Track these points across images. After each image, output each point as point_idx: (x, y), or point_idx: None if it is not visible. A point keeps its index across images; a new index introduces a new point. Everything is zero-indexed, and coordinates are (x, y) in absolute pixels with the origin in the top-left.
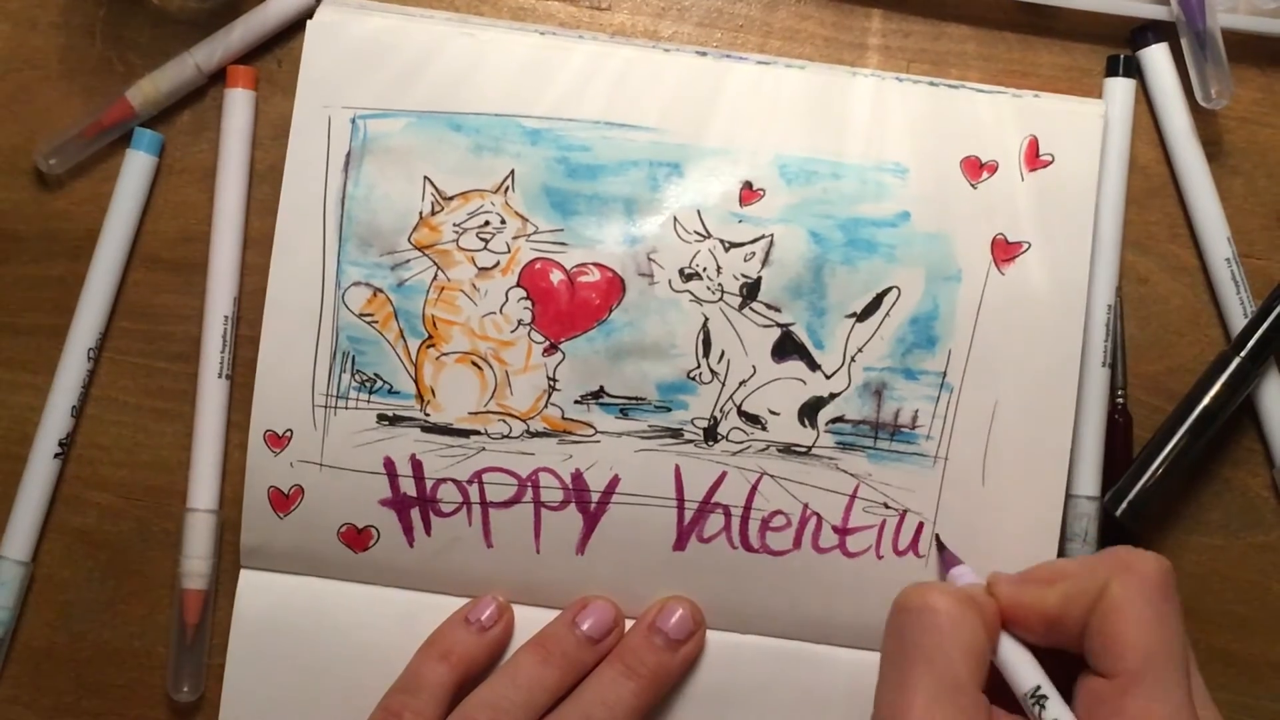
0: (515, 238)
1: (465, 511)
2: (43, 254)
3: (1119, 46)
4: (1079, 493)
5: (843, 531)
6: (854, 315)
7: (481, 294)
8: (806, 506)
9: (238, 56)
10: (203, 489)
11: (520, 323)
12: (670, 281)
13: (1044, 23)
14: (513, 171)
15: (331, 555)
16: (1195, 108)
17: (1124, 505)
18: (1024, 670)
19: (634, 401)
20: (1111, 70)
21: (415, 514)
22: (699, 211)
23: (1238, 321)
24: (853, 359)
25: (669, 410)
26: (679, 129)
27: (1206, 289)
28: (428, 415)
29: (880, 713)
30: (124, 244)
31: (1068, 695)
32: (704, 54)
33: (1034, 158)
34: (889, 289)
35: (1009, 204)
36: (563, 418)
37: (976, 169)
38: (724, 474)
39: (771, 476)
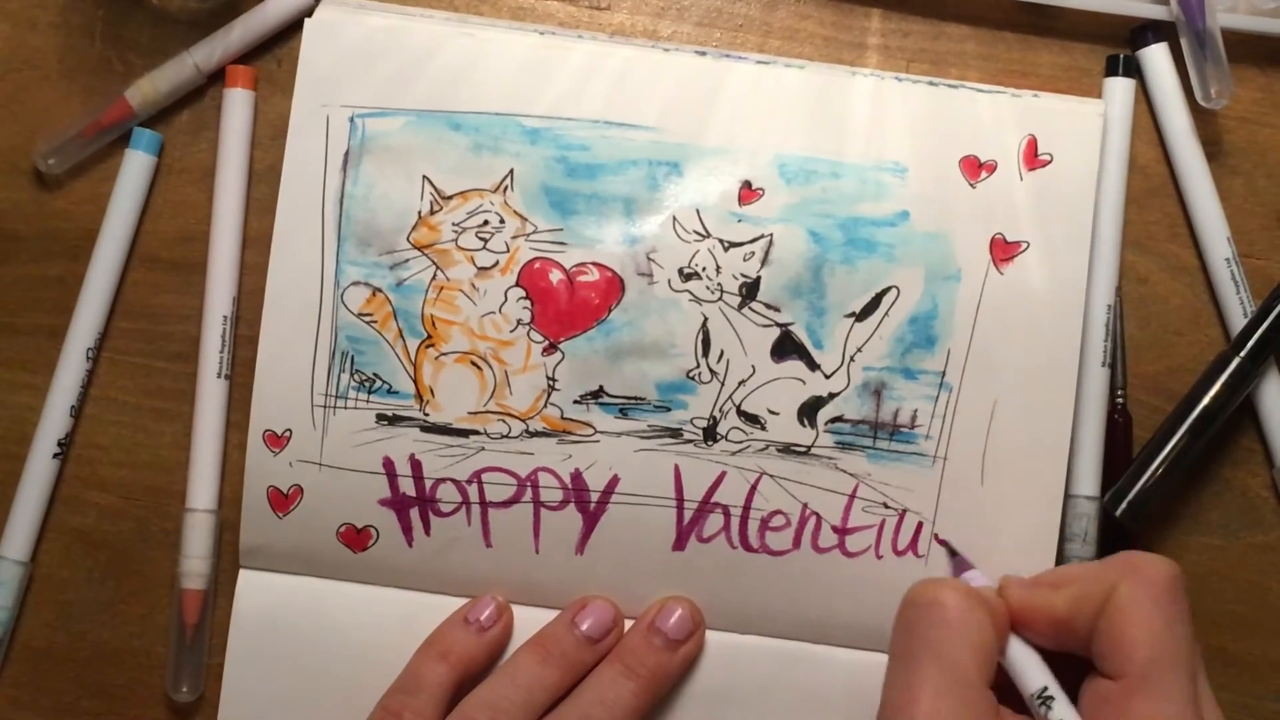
0: (514, 237)
1: (464, 511)
2: (42, 254)
3: (1118, 46)
4: (1078, 492)
5: (842, 531)
6: (853, 315)
7: (481, 294)
8: (806, 506)
9: (237, 56)
10: (202, 489)
11: (519, 322)
12: (669, 281)
13: (1043, 22)
14: (512, 171)
15: (331, 555)
16: (1195, 107)
17: (1124, 505)
18: (1031, 671)
19: (633, 401)
20: (1111, 70)
21: (414, 514)
22: (698, 211)
23: (1237, 321)
24: (852, 359)
25: (668, 410)
26: (678, 128)
27: (1206, 289)
28: (427, 415)
29: (887, 706)
30: (123, 244)
31: (1075, 699)
32: (703, 53)
33: (1033, 157)
34: (888, 288)
35: (1008, 203)
36: (562, 417)
37: (976, 168)
38: (723, 474)
39: (771, 476)
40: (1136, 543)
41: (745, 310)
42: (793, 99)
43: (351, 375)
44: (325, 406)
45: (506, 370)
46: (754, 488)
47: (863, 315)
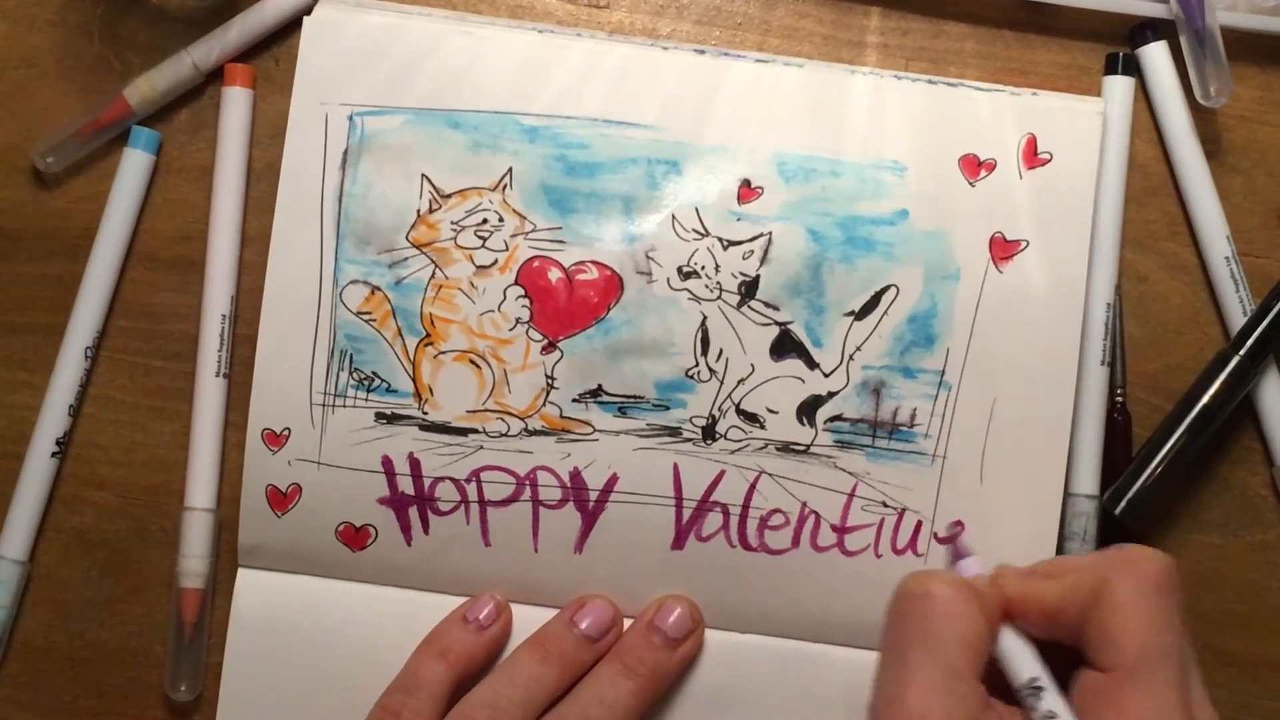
0: (513, 236)
1: (463, 510)
2: (40, 253)
3: (1118, 44)
4: (1078, 491)
5: (841, 530)
6: (852, 313)
7: (480, 292)
8: (805, 505)
9: (235, 55)
10: (200, 488)
11: (518, 321)
12: (669, 280)
13: (1043, 21)
14: (511, 169)
15: (329, 554)
16: (1194, 106)
17: (1123, 504)
18: (1022, 661)
19: (632, 400)
20: (1110, 68)
21: (413, 513)
22: (697, 209)
23: (1237, 320)
24: (851, 357)
25: (667, 409)
26: (677, 127)
27: (1205, 287)
28: (426, 414)
29: (878, 697)
30: (121, 242)
31: (1067, 690)
32: (702, 52)
33: (1032, 156)
34: (887, 287)
35: (1007, 202)
36: (561, 416)
37: (975, 167)
38: (722, 472)
39: (770, 475)
40: (1135, 541)
41: (744, 309)
42: (792, 97)
43: (350, 374)
44: (324, 405)
45: (505, 369)
46: (753, 486)
47: (862, 314)
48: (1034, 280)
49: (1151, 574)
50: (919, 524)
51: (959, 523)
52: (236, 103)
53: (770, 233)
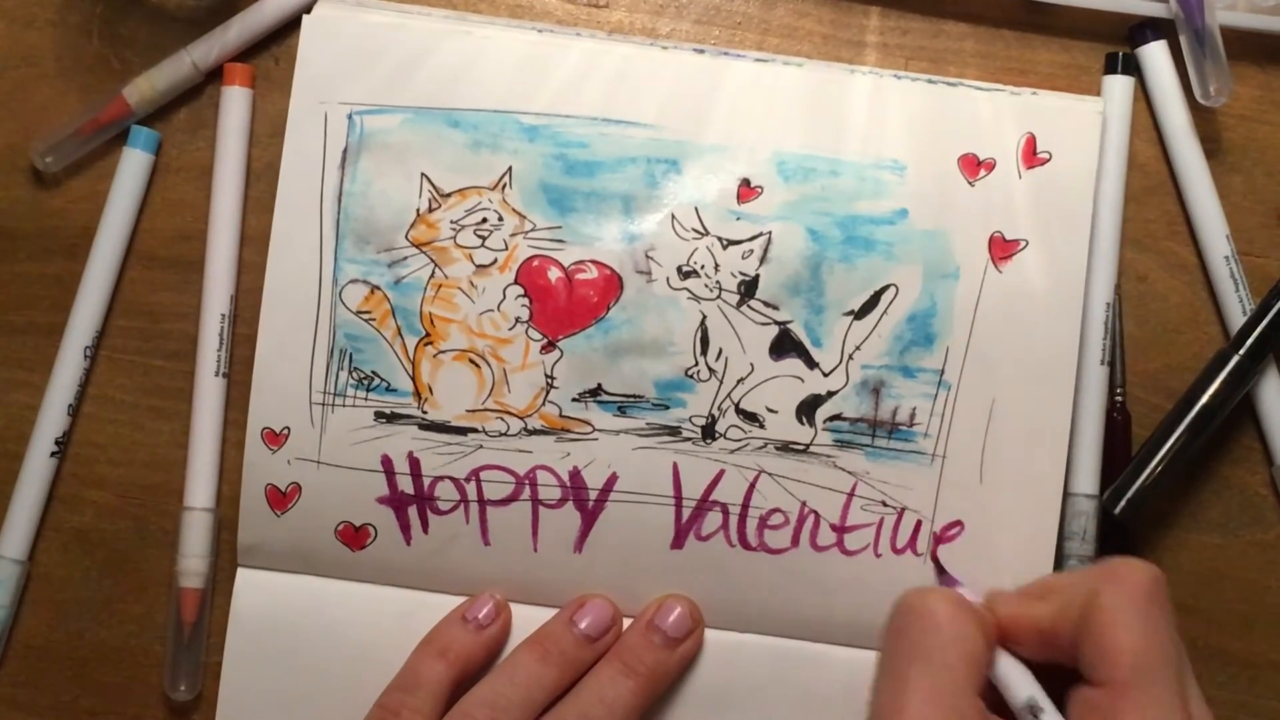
0: (513, 235)
1: (463, 509)
2: (39, 252)
3: (1117, 44)
4: (1077, 490)
5: (841, 529)
6: (852, 313)
7: (479, 291)
8: (804, 504)
9: (234, 54)
10: (200, 487)
11: (518, 320)
12: (668, 279)
13: (1042, 20)
14: (510, 168)
15: (329, 553)
16: (1194, 105)
17: (1122, 503)
18: (1018, 682)
19: (632, 399)
20: (1110, 68)
21: (413, 512)
22: (697, 209)
23: (1236, 319)
24: (850, 357)
25: (667, 408)
26: (677, 126)
27: (1205, 287)
28: (425, 413)
29: (876, 711)
30: (121, 242)
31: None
32: (702, 51)
33: (1032, 155)
34: (887, 286)
35: (1007, 202)
36: (560, 415)
37: (974, 166)
38: (722, 472)
39: (769, 474)
40: (1135, 540)
41: (744, 308)
42: (791, 97)
43: (350, 373)
44: (323, 404)
45: (505, 368)
46: (752, 486)
47: (861, 313)
48: (1033, 280)
49: (1140, 584)
50: (919, 523)
51: (935, 558)
52: (236, 102)
53: (770, 232)
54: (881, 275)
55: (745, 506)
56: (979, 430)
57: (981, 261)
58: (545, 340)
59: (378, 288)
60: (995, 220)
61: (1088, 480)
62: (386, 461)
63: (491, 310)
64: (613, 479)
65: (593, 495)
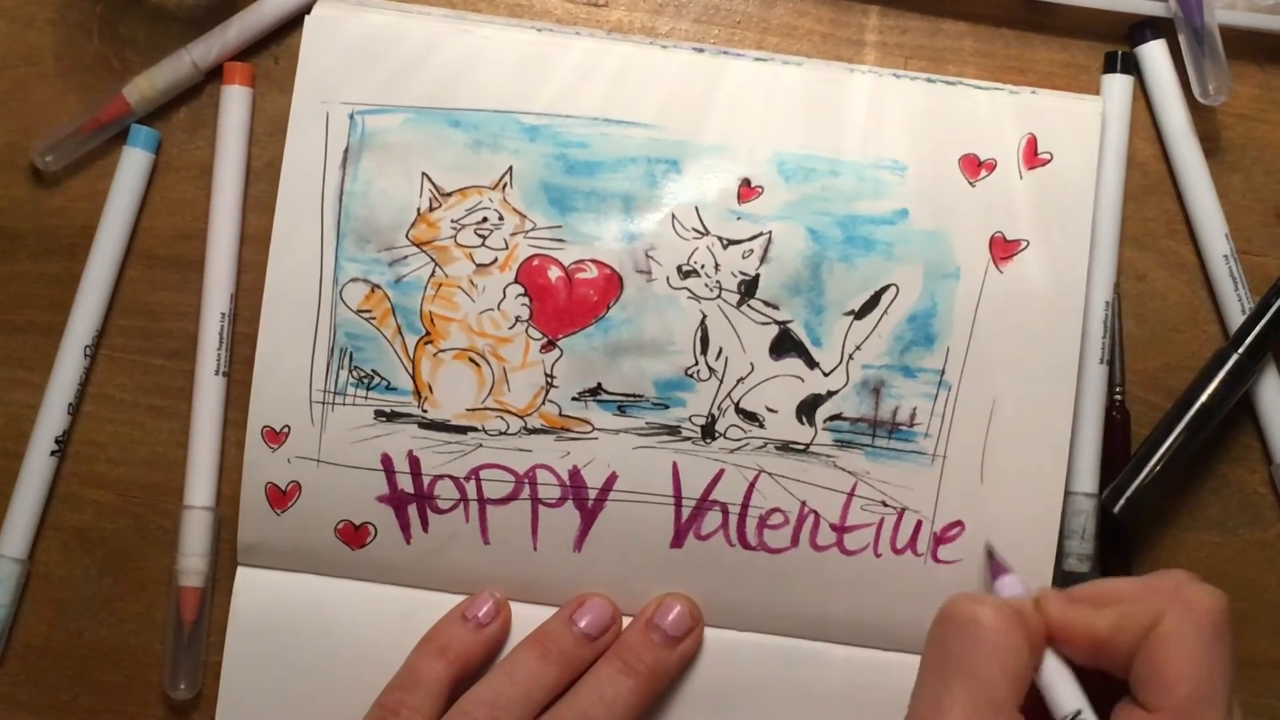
0: (513, 234)
1: (462, 508)
2: (39, 251)
3: (1117, 43)
4: (1077, 489)
5: (840, 529)
6: (852, 313)
7: (479, 290)
8: (804, 504)
9: (234, 53)
10: (200, 486)
11: (518, 319)
12: (668, 279)
13: (1042, 19)
14: (511, 168)
15: (328, 552)
16: (1193, 104)
17: (1122, 502)
18: (1065, 692)
19: (632, 398)
20: (1109, 67)
21: (412, 510)
22: (697, 208)
23: (1235, 318)
24: (851, 356)
25: (667, 407)
26: (677, 126)
27: (1204, 285)
28: (425, 412)
29: (914, 719)
30: (121, 241)
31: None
32: (701, 50)
33: (1032, 155)
34: (887, 286)
35: (1007, 201)
36: (560, 414)
37: (975, 166)
38: (721, 471)
39: (769, 474)
40: (1134, 539)
41: (744, 308)
42: (791, 96)
43: (350, 372)
44: (323, 403)
45: (505, 367)
46: (752, 485)
47: (862, 313)
48: (1034, 279)
49: (1209, 614)
50: (919, 523)
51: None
52: (236, 101)
53: (770, 232)
54: (882, 275)
55: (745, 506)
56: (979, 430)
57: (982, 262)
58: (545, 339)
59: (378, 286)
60: (996, 221)
61: (1087, 479)
62: (386, 460)
63: (491, 309)
64: (612, 478)
65: (592, 494)
